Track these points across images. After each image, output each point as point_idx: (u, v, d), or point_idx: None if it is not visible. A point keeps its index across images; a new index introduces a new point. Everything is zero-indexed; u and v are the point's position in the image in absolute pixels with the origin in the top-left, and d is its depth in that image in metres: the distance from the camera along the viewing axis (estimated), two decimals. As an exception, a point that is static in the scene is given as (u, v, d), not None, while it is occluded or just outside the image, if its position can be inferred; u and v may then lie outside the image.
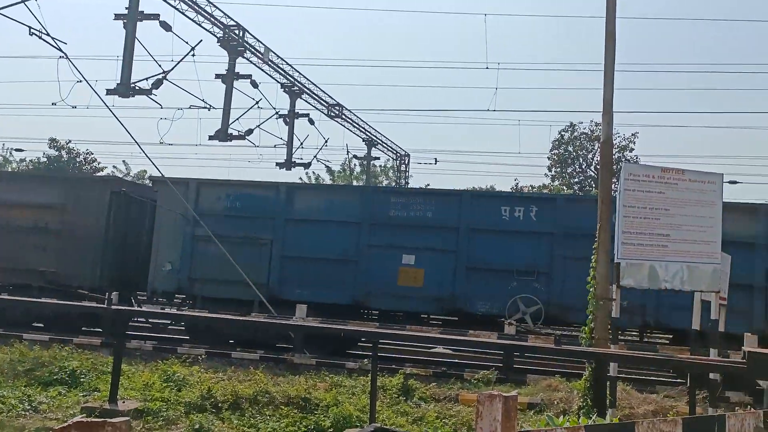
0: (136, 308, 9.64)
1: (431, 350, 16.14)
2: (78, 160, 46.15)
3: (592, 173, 45.98)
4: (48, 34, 15.07)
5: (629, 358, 7.54)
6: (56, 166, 44.28)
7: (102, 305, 10.97)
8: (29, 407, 7.79)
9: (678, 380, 11.86)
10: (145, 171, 54.33)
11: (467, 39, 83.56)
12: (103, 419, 2.45)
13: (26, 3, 14.40)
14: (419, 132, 77.32)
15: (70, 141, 45.88)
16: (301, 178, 48.94)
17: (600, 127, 41.54)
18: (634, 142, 43.66)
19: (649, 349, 10.61)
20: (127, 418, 2.53)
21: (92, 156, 46.71)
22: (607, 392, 7.81)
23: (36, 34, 15.38)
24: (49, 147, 45.41)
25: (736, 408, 9.45)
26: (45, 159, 45.75)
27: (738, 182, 32.39)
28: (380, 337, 8.08)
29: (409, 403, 9.20)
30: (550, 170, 47.27)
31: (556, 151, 46.56)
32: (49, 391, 8.50)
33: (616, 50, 8.69)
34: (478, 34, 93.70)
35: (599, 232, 8.10)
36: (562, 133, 45.88)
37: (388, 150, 37.81)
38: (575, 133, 45.96)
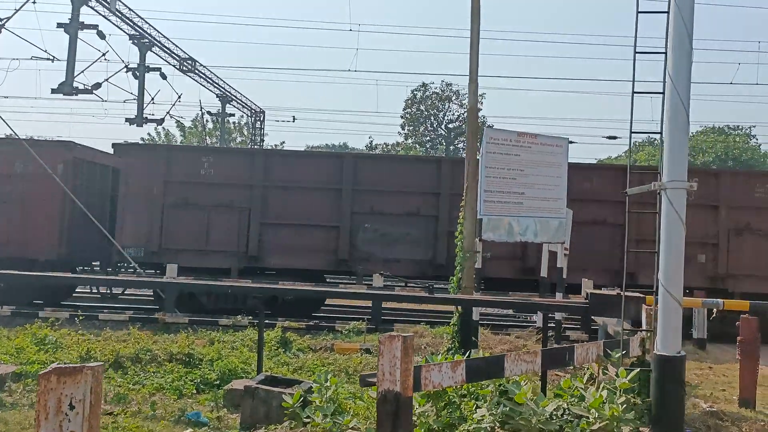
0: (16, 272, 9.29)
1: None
2: None
3: (442, 131, 48.05)
4: None
5: (494, 303, 8.46)
6: None
7: None
8: None
9: (526, 324, 13.26)
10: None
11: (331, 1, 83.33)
12: (81, 364, 2.70)
13: None
14: (278, 90, 76.72)
15: None
16: (149, 134, 47.05)
17: (450, 87, 42.92)
18: (482, 103, 45.92)
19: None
20: (102, 363, 2.78)
21: None
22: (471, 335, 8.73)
23: None
24: None
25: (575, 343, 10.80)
26: None
27: (574, 142, 35.36)
28: (270, 293, 8.43)
29: (288, 354, 9.66)
30: (403, 128, 48.82)
31: (409, 110, 48.09)
32: None
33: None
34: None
35: (466, 192, 8.89)
36: (415, 92, 47.43)
37: (243, 107, 37.23)
38: (427, 93, 47.61)
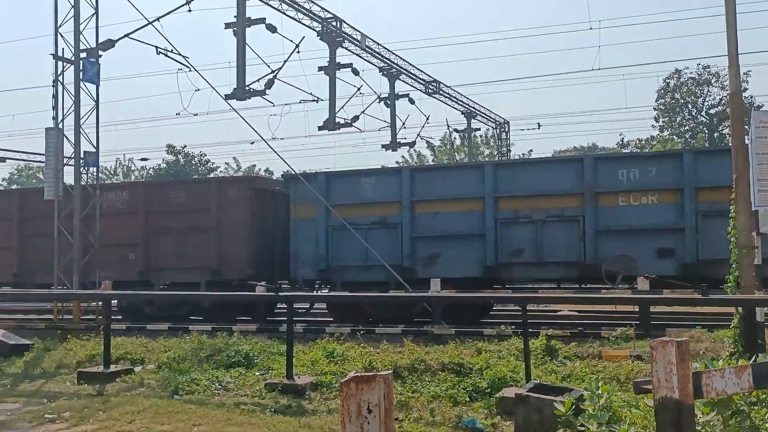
0: (300, 293, 10.59)
1: (557, 313, 16.52)
2: (193, 162, 49.02)
3: (703, 119, 44.09)
4: (174, 51, 16.41)
5: (780, 302, 7.65)
6: (175, 170, 47.21)
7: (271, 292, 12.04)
8: (219, 387, 8.85)
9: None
10: (254, 165, 56.84)
11: (566, 2, 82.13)
12: (373, 373, 3.09)
13: (153, 24, 15.70)
14: (522, 99, 76.77)
15: (185, 146, 48.84)
16: (403, 157, 49.81)
17: (708, 70, 39.35)
18: (747, 82, 41.31)
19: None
20: (390, 372, 3.15)
21: (206, 157, 49.53)
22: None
23: (162, 53, 16.75)
24: (167, 153, 48.52)
25: None
26: (164, 165, 48.90)
27: None
28: (528, 301, 8.57)
29: (554, 362, 9.64)
30: (657, 121, 45.72)
31: (662, 101, 44.93)
32: (231, 372, 9.56)
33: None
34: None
35: (736, 183, 8.17)
36: (668, 81, 44.18)
37: (488, 120, 37.81)
38: (681, 79, 44.09)
